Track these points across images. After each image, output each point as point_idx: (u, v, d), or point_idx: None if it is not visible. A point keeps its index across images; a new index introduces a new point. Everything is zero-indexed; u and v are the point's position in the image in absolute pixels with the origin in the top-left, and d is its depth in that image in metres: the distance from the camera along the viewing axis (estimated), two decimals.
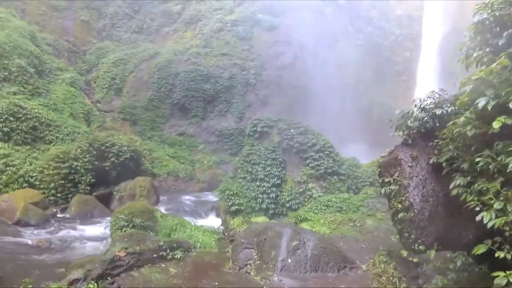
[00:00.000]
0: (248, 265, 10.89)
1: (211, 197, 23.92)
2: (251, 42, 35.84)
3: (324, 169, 21.40)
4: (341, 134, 29.88)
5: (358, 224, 16.65)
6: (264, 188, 20.28)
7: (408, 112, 11.46)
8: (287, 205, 20.25)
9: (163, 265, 10.93)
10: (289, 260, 10.72)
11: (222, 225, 16.22)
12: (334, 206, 19.07)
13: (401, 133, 11.32)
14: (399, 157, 10.87)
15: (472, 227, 9.91)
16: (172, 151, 30.84)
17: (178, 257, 11.30)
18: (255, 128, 22.23)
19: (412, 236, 10.01)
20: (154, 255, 11.11)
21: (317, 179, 21.46)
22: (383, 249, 12.67)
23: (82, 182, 21.51)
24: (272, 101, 33.67)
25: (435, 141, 10.46)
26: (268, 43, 35.74)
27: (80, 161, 21.53)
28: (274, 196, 20.26)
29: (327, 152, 21.89)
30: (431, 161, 10.40)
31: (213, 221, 18.93)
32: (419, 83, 35.40)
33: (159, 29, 39.93)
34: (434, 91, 11.65)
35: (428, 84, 33.63)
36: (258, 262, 10.84)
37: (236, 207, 19.11)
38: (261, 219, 16.85)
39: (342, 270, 11.08)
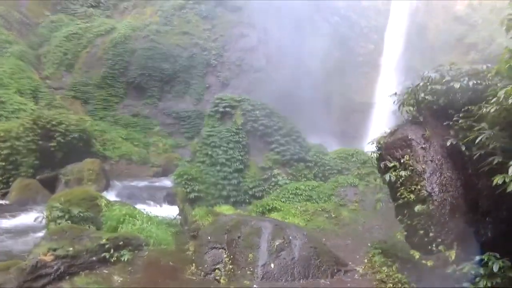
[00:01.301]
0: (217, 270, 7.84)
1: (167, 182, 20.80)
2: (213, 22, 32.53)
3: (290, 155, 19.18)
4: (300, 122, 27.43)
5: (333, 215, 14.07)
6: (225, 174, 17.87)
7: (418, 85, 8.88)
8: (250, 192, 17.97)
9: (105, 271, 7.67)
10: (272, 265, 7.77)
11: (179, 215, 13.05)
12: (303, 194, 16.62)
13: (410, 108, 8.71)
14: (409, 137, 8.19)
15: (489, 223, 7.66)
16: (126, 132, 27.28)
17: (125, 259, 8.01)
18: (216, 108, 19.57)
19: (431, 234, 7.45)
20: (94, 258, 7.79)
21: (283, 165, 19.21)
22: (373, 246, 10.14)
23: (24, 164, 18.54)
24: (232, 84, 30.58)
25: (454, 119, 7.98)
26: (232, 23, 32.45)
27: (23, 140, 18.56)
28: (236, 183, 17.93)
29: (294, 137, 19.76)
30: (448, 144, 7.85)
31: (168, 210, 15.83)
32: (382, 76, 33.29)
33: (117, 4, 35.54)
34: (441, 65, 9.24)
35: (390, 78, 31.77)
36: (231, 266, 7.81)
37: (196, 194, 16.75)
38: (226, 208, 13.88)
39: (336, 274, 8.30)
